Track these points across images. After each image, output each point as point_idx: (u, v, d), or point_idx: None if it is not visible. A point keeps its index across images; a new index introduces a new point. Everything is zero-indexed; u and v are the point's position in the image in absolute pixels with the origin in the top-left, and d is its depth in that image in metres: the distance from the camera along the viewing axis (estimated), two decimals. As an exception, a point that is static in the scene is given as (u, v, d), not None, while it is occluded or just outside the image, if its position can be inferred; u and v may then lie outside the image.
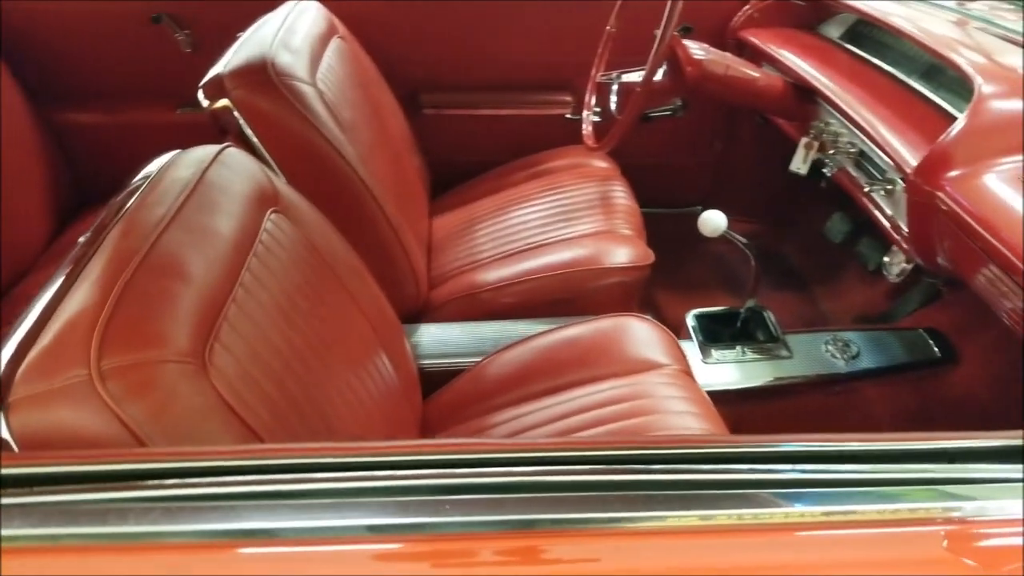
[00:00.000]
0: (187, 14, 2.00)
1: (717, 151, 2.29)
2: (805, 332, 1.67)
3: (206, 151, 1.09)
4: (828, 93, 1.60)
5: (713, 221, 1.55)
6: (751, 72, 1.76)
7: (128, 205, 0.95)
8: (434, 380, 1.48)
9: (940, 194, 1.21)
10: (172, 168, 1.05)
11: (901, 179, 1.39)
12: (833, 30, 1.92)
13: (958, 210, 1.17)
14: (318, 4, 1.79)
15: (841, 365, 1.58)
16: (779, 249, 2.27)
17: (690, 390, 1.32)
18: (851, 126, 1.56)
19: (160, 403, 0.72)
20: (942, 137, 1.24)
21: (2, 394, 0.71)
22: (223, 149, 1.10)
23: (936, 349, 1.61)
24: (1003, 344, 1.59)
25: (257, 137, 1.38)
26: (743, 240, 1.58)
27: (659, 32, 1.58)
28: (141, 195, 0.98)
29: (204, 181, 1.02)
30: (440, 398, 1.45)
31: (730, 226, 1.56)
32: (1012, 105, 1.25)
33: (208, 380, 0.79)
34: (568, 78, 2.13)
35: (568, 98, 2.15)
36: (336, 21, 1.81)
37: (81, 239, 0.94)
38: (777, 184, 2.28)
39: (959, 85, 1.49)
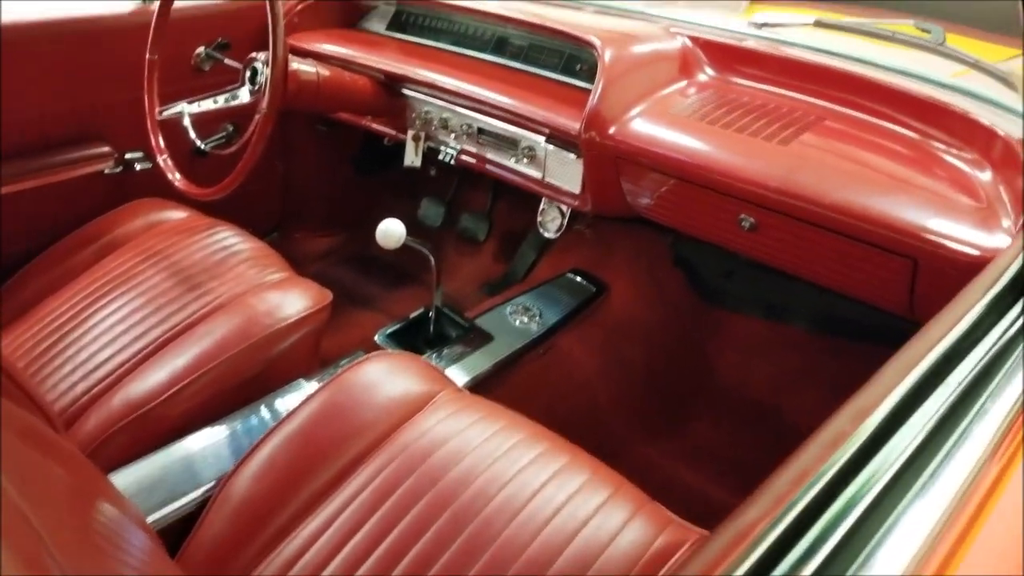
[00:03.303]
0: None
1: (280, 171, 2.12)
2: (485, 312, 1.69)
3: None
4: (432, 80, 1.60)
5: (395, 232, 1.44)
6: (339, 75, 1.66)
7: None
8: (165, 537, 1.12)
9: (619, 145, 1.32)
10: None
11: (548, 141, 1.48)
12: (376, 24, 1.92)
13: (638, 148, 1.31)
14: None
15: (535, 328, 1.65)
16: (374, 250, 2.24)
17: (477, 407, 1.23)
18: (465, 107, 1.60)
19: None
20: (591, 100, 1.36)
21: None
22: None
23: (589, 285, 1.78)
24: (633, 264, 1.85)
25: None
26: (419, 242, 1.51)
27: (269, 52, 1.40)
28: None
29: None
30: (193, 552, 1.10)
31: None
32: (631, 58, 1.42)
33: None
34: (99, 125, 1.73)
35: (105, 149, 1.75)
36: None
37: None
38: (351, 188, 2.24)
39: (530, 52, 1.64)
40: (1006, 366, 0.61)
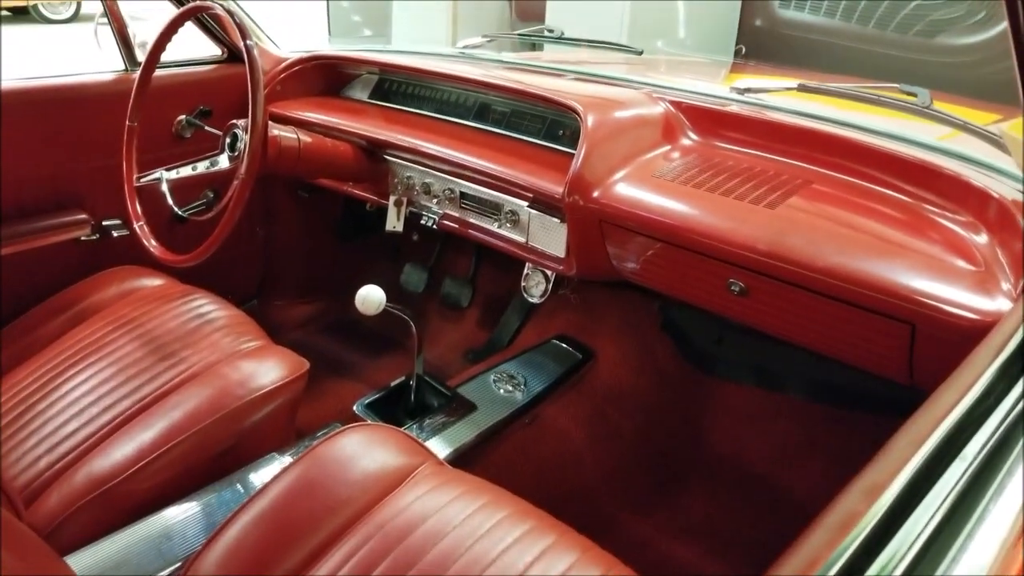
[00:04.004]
0: None
1: (261, 237, 2.09)
2: (468, 381, 1.64)
3: None
4: (414, 145, 1.59)
5: (374, 298, 1.40)
6: (320, 141, 1.64)
7: None
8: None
9: (603, 208, 1.30)
10: None
11: (531, 205, 1.45)
12: (359, 92, 1.91)
13: (623, 211, 1.28)
14: None
15: (520, 397, 1.60)
16: (354, 315, 2.19)
17: (459, 482, 1.17)
18: (447, 172, 1.58)
19: None
20: (574, 164, 1.34)
21: None
22: None
23: (575, 352, 1.74)
24: (620, 330, 1.81)
25: None
26: (399, 308, 1.47)
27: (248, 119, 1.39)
28: None
29: None
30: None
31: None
32: (614, 122, 1.41)
33: None
34: (77, 192, 1.70)
35: (82, 216, 1.72)
36: None
37: None
38: (332, 255, 2.21)
39: (512, 119, 1.62)
40: (1020, 441, 0.56)
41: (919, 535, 0.46)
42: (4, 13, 8.53)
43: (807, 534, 0.48)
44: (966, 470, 0.52)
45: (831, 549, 0.45)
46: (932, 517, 0.48)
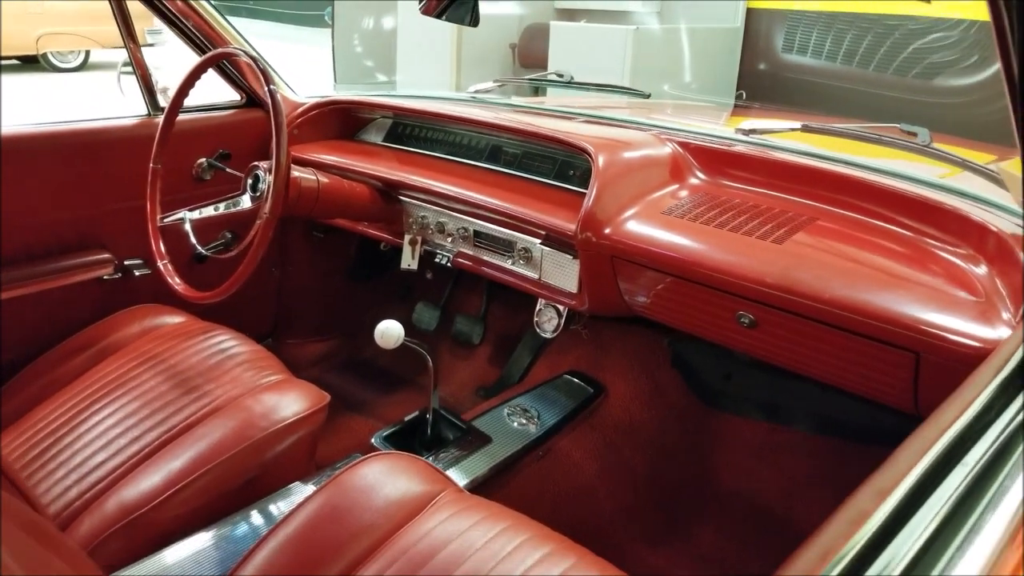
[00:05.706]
0: None
1: (276, 277, 2.14)
2: (483, 414, 1.68)
3: None
4: (428, 185, 1.64)
5: (393, 331, 1.45)
6: (338, 182, 1.70)
7: None
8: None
9: (615, 244, 1.35)
10: None
11: (544, 242, 1.50)
12: (373, 136, 1.98)
13: (633, 247, 1.33)
14: None
15: (533, 430, 1.64)
16: (367, 353, 2.23)
17: (480, 508, 1.21)
18: (461, 212, 1.63)
19: None
20: (586, 202, 1.39)
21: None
22: None
23: (586, 386, 1.78)
24: (631, 366, 1.85)
25: None
26: (416, 342, 1.51)
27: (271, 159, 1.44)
28: None
29: None
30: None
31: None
32: (624, 162, 1.47)
33: None
34: (100, 232, 1.76)
35: (106, 255, 1.77)
36: None
37: None
38: (345, 294, 2.26)
39: (524, 160, 1.68)
40: (1018, 450, 0.61)
41: (923, 532, 0.51)
42: (14, 62, 8.70)
43: (822, 529, 0.52)
44: (967, 475, 0.56)
45: (844, 542, 0.49)
46: (935, 515, 0.52)
